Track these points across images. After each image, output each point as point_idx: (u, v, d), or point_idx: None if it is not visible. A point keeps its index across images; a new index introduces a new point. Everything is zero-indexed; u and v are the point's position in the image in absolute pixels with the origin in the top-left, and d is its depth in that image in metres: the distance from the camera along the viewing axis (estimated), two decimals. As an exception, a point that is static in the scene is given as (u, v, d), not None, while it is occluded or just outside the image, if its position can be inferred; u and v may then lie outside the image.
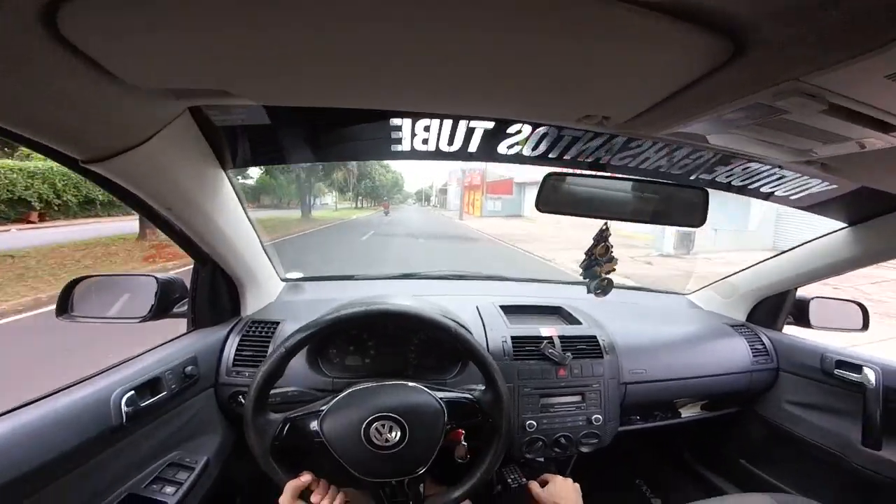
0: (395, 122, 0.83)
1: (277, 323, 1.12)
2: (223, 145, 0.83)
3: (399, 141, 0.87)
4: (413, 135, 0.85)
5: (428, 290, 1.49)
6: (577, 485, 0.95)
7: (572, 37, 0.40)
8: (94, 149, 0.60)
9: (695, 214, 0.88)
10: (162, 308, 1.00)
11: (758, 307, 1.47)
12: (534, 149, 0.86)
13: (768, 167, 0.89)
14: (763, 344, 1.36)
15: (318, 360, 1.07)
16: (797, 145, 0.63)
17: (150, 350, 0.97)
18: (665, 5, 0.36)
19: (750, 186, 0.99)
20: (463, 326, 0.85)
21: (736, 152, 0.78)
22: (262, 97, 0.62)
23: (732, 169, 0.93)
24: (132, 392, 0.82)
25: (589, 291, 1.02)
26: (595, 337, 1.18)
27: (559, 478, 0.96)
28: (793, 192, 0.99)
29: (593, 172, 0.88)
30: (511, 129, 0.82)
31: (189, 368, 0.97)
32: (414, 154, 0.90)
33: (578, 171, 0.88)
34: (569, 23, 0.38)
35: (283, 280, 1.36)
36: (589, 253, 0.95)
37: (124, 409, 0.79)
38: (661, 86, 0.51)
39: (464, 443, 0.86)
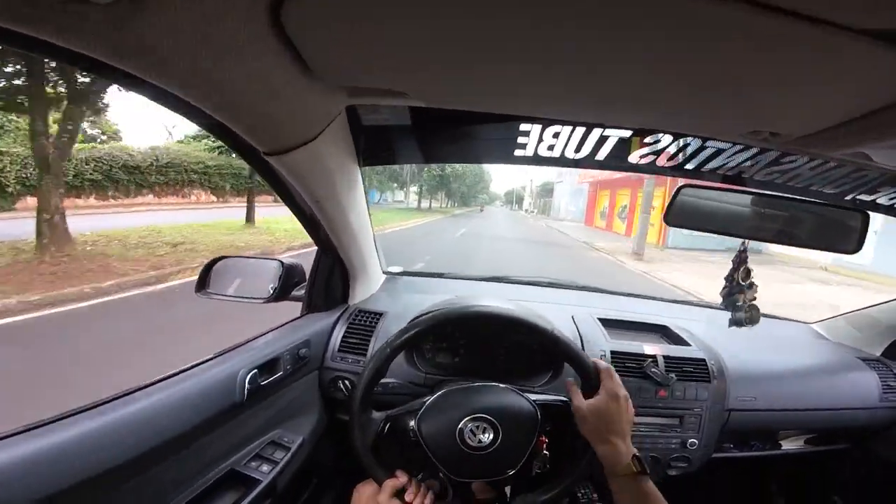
0: (525, 127, 0.84)
1: (380, 314, 1.17)
2: (362, 143, 0.88)
3: (524, 146, 0.88)
4: (540, 140, 0.85)
5: (519, 295, 1.47)
6: (630, 401, 0.76)
7: (761, 51, 0.38)
8: (277, 142, 0.66)
9: (850, 238, 0.80)
10: (283, 291, 1.08)
11: None
12: (670, 159, 0.82)
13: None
14: None
15: (413, 355, 1.10)
16: None
17: (271, 330, 1.05)
18: (879, 32, 0.33)
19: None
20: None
21: None
22: (431, 99, 0.65)
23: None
24: (255, 370, 0.88)
25: (732, 324, 0.94)
26: (704, 360, 1.11)
27: (612, 387, 0.74)
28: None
29: (732, 187, 0.83)
30: (649, 139, 0.80)
31: (303, 351, 1.03)
32: (536, 160, 0.90)
33: (715, 185, 0.83)
34: (752, 41, 0.36)
35: (384, 273, 1.42)
36: (729, 278, 0.88)
37: (247, 386, 0.85)
38: (849, 107, 0.47)
39: (546, 451, 0.85)
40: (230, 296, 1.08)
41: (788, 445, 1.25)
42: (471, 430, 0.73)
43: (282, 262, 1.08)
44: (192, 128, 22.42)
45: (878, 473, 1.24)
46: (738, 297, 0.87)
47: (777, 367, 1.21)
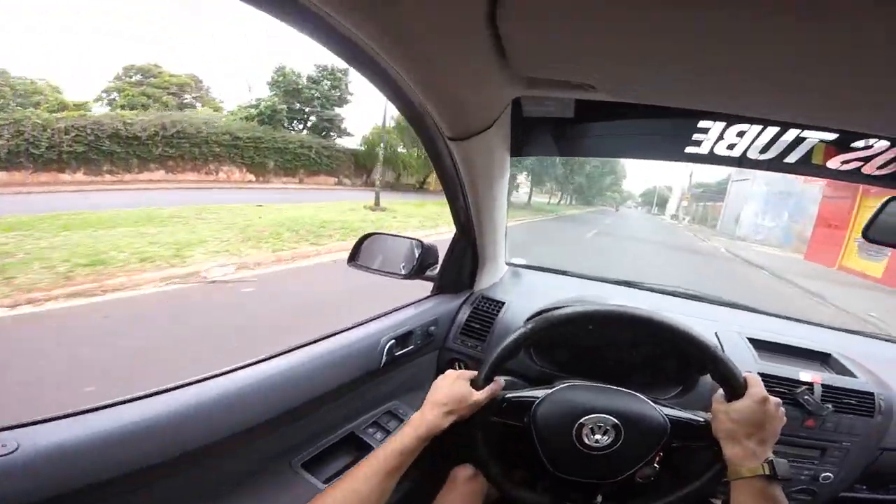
0: (704, 124, 0.80)
1: (503, 303, 1.20)
2: (518, 134, 0.90)
3: (698, 143, 0.83)
4: (720, 139, 0.80)
5: (653, 304, 1.42)
6: (783, 409, 0.70)
7: None
8: (462, 128, 0.71)
9: None
10: (420, 269, 1.16)
11: None
12: (881, 167, 0.73)
13: None
14: None
15: (531, 348, 1.11)
16: None
17: (406, 305, 1.13)
18: None
19: None
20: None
21: None
22: (617, 93, 0.65)
23: None
24: (393, 340, 0.95)
25: None
26: (872, 394, 0.99)
27: (758, 391, 0.69)
28: None
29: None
30: (858, 143, 0.71)
31: (432, 328, 1.10)
32: (711, 158, 0.84)
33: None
34: None
35: (507, 264, 1.45)
36: None
37: (384, 355, 0.91)
38: None
39: (656, 465, 0.81)
40: (374, 269, 1.18)
41: None
42: (590, 429, 0.73)
43: (421, 242, 1.15)
44: (260, 94, 21.42)
45: None
46: None
47: None
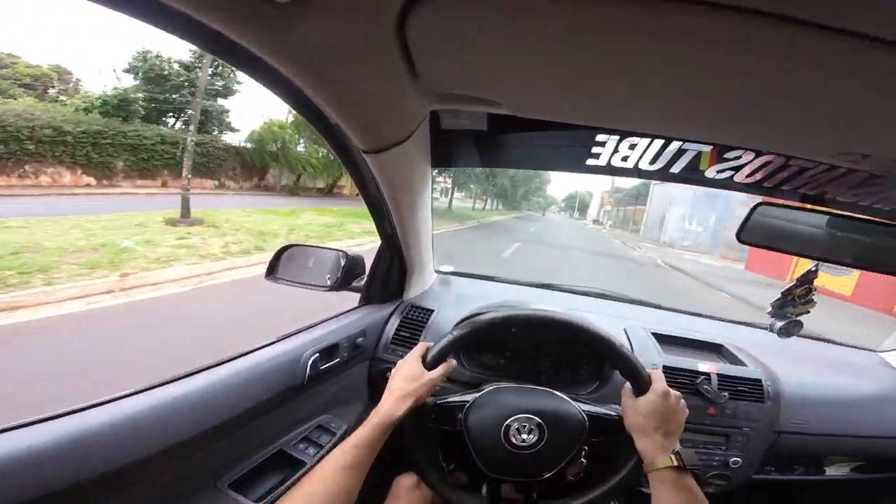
0: (601, 137, 0.85)
1: (432, 311, 1.20)
2: (436, 146, 0.92)
3: (597, 156, 0.89)
4: (615, 151, 0.86)
5: (571, 304, 1.48)
6: (684, 402, 0.75)
7: (854, 76, 0.39)
8: (377, 141, 0.70)
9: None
10: (345, 280, 1.13)
11: None
12: (749, 175, 0.82)
13: None
14: None
15: (461, 353, 1.13)
16: None
17: (332, 317, 1.10)
18: None
19: None
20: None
21: None
22: (520, 109, 0.67)
23: None
24: (317, 354, 0.93)
25: (772, 330, 0.95)
26: (759, 381, 1.10)
27: (661, 386, 0.74)
28: None
29: (813, 207, 0.81)
30: (729, 155, 0.80)
31: (360, 340, 1.08)
32: (609, 169, 0.91)
33: (795, 204, 0.82)
34: (853, 63, 0.37)
35: (436, 271, 1.45)
36: (787, 293, 0.88)
37: (308, 370, 0.89)
38: None
39: (583, 460, 0.85)
40: (296, 282, 1.14)
41: (833, 472, 1.22)
42: (516, 429, 0.75)
43: (346, 253, 1.13)
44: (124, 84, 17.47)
45: None
46: (788, 309, 0.87)
47: (835, 393, 1.19)
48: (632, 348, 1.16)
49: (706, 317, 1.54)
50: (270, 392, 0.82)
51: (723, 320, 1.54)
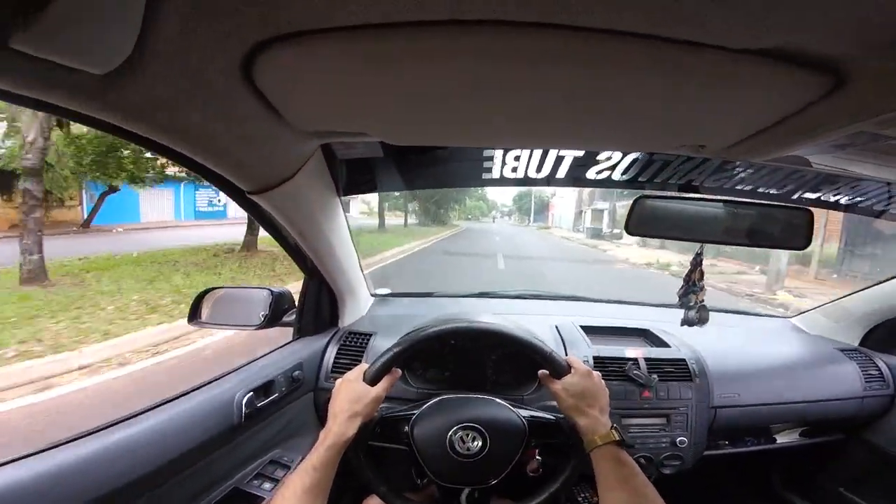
0: (488, 153, 0.91)
1: (370, 335, 1.21)
2: (341, 176, 0.95)
3: (490, 170, 0.94)
4: (503, 164, 0.92)
5: (505, 308, 1.52)
6: (603, 382, 0.80)
7: (668, 77, 0.45)
8: (259, 182, 0.72)
9: (798, 235, 0.85)
10: (274, 317, 1.13)
11: (874, 332, 1.36)
12: (623, 173, 0.88)
13: (881, 184, 0.84)
14: (878, 369, 1.27)
15: (405, 372, 1.14)
16: None
17: (265, 355, 1.09)
18: (765, 51, 0.39)
19: (861, 205, 0.93)
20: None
21: (843, 173, 0.75)
22: (391, 137, 0.72)
23: (840, 188, 0.89)
24: (251, 393, 0.92)
25: (684, 323, 0.99)
26: (684, 360, 1.15)
27: (582, 367, 0.80)
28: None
29: (685, 195, 0.88)
30: (601, 156, 0.86)
31: (296, 373, 1.07)
32: (503, 181, 0.96)
33: (670, 194, 0.89)
34: (666, 65, 0.42)
35: (372, 295, 1.47)
36: (687, 279, 0.93)
37: (244, 408, 0.88)
38: (757, 119, 0.53)
39: (538, 457, 0.88)
40: (223, 324, 1.13)
41: (783, 439, 1.27)
42: (460, 438, 0.77)
43: (271, 290, 1.13)
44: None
45: (878, 463, 1.26)
46: (691, 297, 0.92)
47: (758, 363, 1.24)
48: (563, 343, 1.20)
49: (633, 303, 1.61)
50: (207, 434, 0.82)
51: (648, 305, 1.61)
